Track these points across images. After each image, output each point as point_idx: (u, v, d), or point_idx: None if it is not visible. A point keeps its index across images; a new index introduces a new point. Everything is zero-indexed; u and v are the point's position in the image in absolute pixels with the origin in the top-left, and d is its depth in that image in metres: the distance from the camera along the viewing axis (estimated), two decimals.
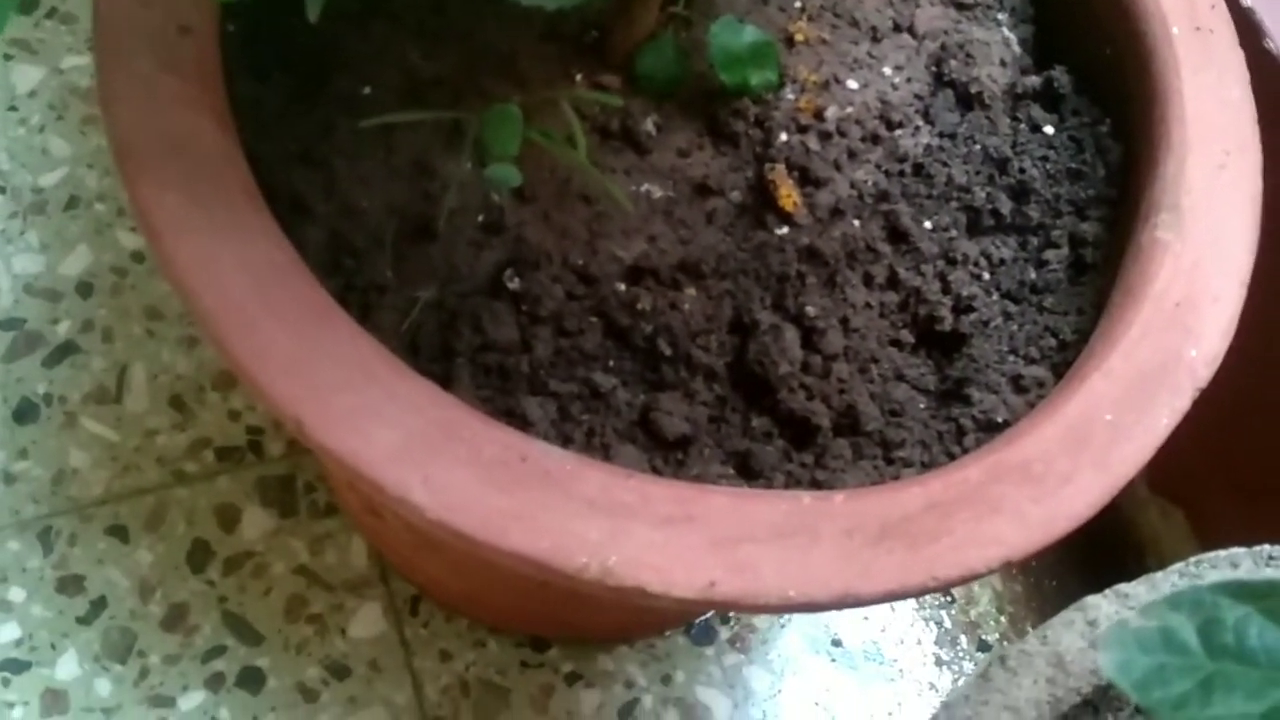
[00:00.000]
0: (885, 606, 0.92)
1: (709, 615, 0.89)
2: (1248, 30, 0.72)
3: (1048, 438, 0.55)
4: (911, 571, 0.51)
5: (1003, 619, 0.94)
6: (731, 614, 0.90)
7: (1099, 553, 0.91)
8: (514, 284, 0.60)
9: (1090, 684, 0.53)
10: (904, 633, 0.92)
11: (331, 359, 0.51)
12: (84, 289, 0.92)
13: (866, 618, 0.92)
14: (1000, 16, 0.71)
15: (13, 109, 0.96)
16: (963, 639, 0.93)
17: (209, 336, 0.51)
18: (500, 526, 0.50)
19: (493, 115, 0.58)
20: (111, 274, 0.93)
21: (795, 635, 0.90)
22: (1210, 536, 0.89)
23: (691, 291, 0.61)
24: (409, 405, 0.51)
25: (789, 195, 0.63)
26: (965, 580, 0.53)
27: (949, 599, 0.94)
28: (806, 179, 0.64)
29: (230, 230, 0.52)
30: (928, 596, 0.94)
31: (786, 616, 0.90)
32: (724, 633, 0.90)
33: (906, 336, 0.63)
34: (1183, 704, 0.32)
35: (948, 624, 0.93)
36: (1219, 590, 0.34)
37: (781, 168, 0.64)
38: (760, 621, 0.90)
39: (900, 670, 0.91)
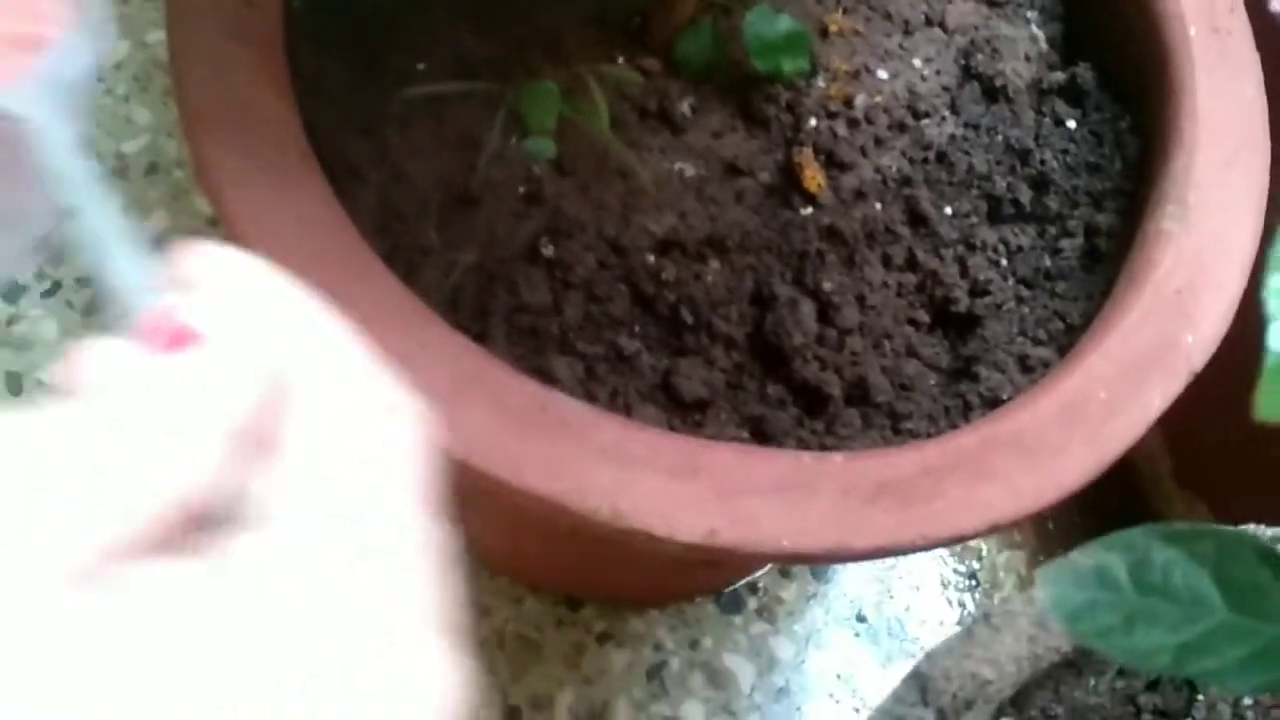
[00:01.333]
0: (910, 585, 0.95)
1: (738, 585, 0.93)
2: (1273, 34, 0.74)
3: (1043, 412, 0.58)
4: (902, 530, 0.55)
5: None
6: (759, 585, 0.93)
7: None
8: (549, 251, 0.64)
9: (1073, 644, 0.56)
10: (927, 612, 0.95)
11: (372, 311, 0.55)
12: None
13: (892, 595, 0.95)
14: (1030, 14, 0.73)
15: (99, 80, 1.02)
16: None
17: None
18: (519, 469, 0.54)
19: (531, 91, 0.62)
20: (188, 237, 0.98)
21: (820, 609, 0.94)
22: (1229, 522, 0.91)
23: (716, 265, 0.65)
24: (441, 355, 0.55)
25: (814, 177, 0.66)
26: (953, 541, 0.56)
27: (974, 582, 0.97)
28: (832, 162, 0.67)
29: (284, 189, 0.57)
30: (953, 579, 0.96)
31: (814, 589, 0.93)
32: (752, 603, 0.93)
33: (922, 316, 0.66)
34: (1107, 634, 0.35)
35: (971, 606, 0.96)
36: (1151, 534, 0.37)
37: (809, 151, 0.67)
38: (787, 594, 0.93)
39: (921, 648, 0.94)
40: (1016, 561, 0.98)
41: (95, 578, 0.24)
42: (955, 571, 0.96)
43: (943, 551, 0.97)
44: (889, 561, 0.95)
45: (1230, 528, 0.38)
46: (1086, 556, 0.37)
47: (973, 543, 0.97)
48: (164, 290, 0.31)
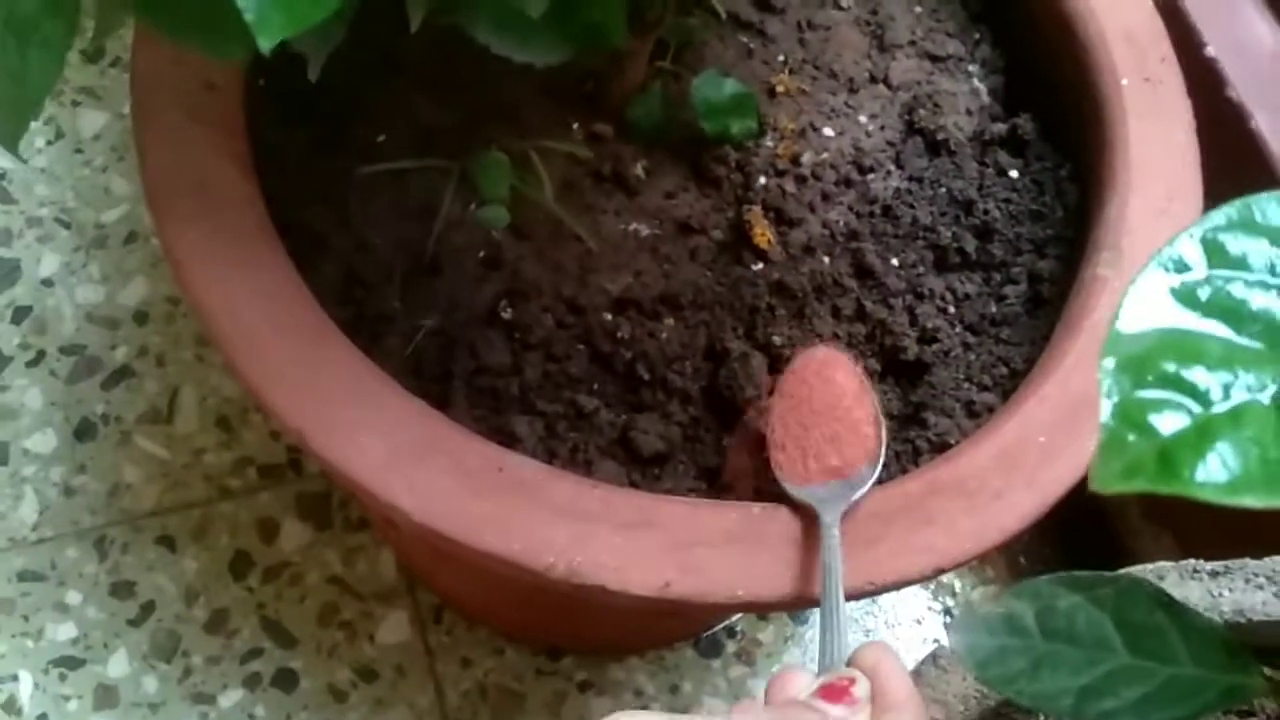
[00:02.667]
0: (886, 623, 0.97)
1: (716, 629, 0.94)
2: (1210, 80, 0.76)
3: (985, 457, 0.60)
4: (851, 575, 0.56)
5: None
6: (738, 629, 0.95)
7: None
8: (508, 313, 0.66)
9: None
10: (903, 649, 0.96)
11: (330, 378, 0.57)
12: (140, 318, 1.00)
13: (869, 633, 0.96)
14: (971, 68, 0.76)
15: (79, 151, 1.05)
16: None
17: (223, 356, 0.58)
18: (477, 529, 0.56)
19: (482, 162, 0.64)
20: (165, 304, 1.00)
21: (798, 650, 0.95)
22: (1194, 553, 0.92)
23: (670, 321, 0.67)
24: (399, 420, 0.57)
25: (764, 234, 0.69)
26: (901, 585, 0.58)
27: (949, 618, 0.98)
28: (781, 219, 0.70)
29: (245, 263, 0.59)
30: (928, 615, 0.98)
31: (791, 631, 0.95)
32: (730, 646, 0.95)
33: (873, 364, 0.68)
34: (1014, 680, 0.37)
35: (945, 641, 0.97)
36: (1056, 582, 0.39)
37: (758, 209, 0.69)
38: (765, 636, 0.95)
39: None
40: (990, 597, 1.00)
41: None
42: (929, 608, 0.98)
43: (916, 587, 0.98)
44: (863, 600, 0.97)
45: (1127, 574, 0.39)
46: (997, 605, 0.39)
47: (946, 578, 0.98)
48: (843, 662, 0.49)
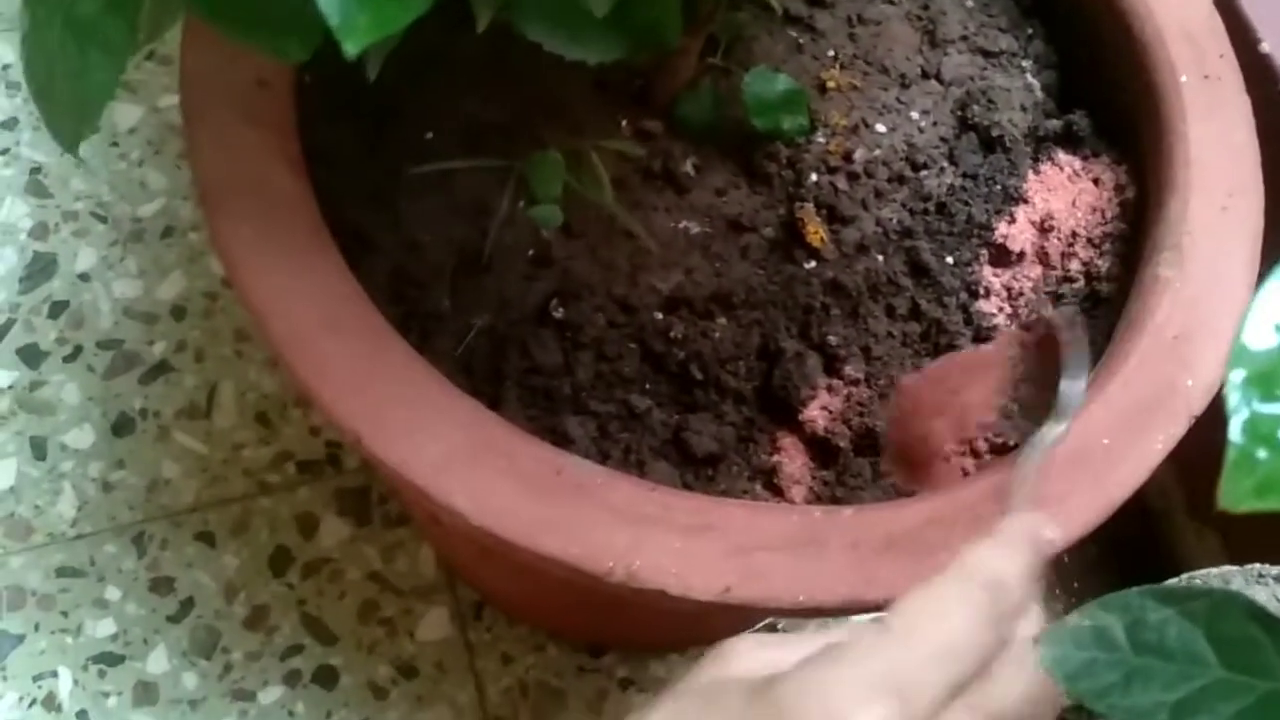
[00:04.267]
0: None
1: (758, 627, 0.94)
2: (1266, 75, 0.75)
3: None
4: (913, 581, 0.56)
5: None
6: (780, 623, 0.94)
7: (1142, 577, 0.95)
8: (559, 312, 0.65)
9: None
10: None
11: (386, 379, 0.57)
12: (178, 312, 0.99)
13: None
14: (1025, 64, 0.75)
15: (114, 144, 1.04)
16: None
17: (279, 358, 0.57)
18: (535, 532, 0.55)
19: (536, 161, 0.64)
20: (203, 298, 1.00)
21: None
22: (1241, 555, 0.91)
23: (723, 321, 0.66)
24: (456, 422, 0.57)
25: (816, 232, 0.68)
26: None
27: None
28: (834, 217, 0.69)
29: (298, 263, 0.58)
30: None
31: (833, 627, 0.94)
32: None
33: (928, 364, 0.67)
34: (1106, 694, 0.37)
35: None
36: (1145, 594, 0.38)
37: (810, 206, 0.69)
38: (808, 629, 0.94)
39: None
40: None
41: None
42: None
43: None
44: None
45: (1220, 587, 0.39)
46: (1085, 617, 0.38)
47: None
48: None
